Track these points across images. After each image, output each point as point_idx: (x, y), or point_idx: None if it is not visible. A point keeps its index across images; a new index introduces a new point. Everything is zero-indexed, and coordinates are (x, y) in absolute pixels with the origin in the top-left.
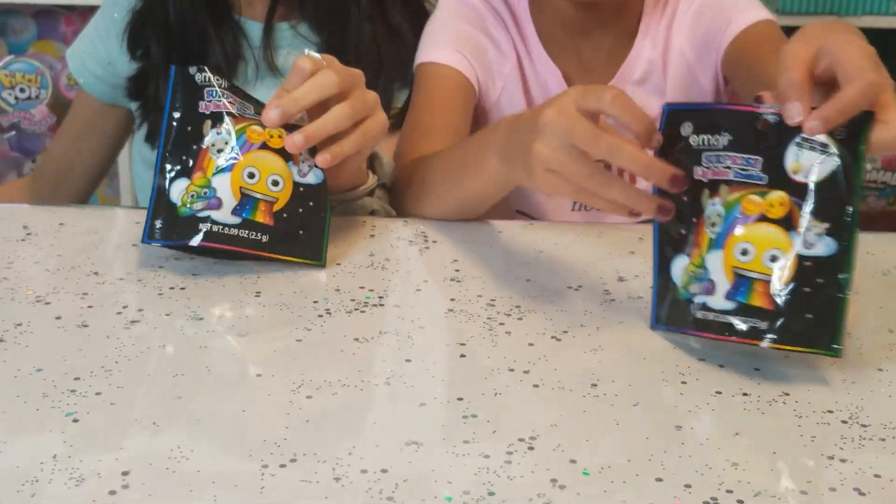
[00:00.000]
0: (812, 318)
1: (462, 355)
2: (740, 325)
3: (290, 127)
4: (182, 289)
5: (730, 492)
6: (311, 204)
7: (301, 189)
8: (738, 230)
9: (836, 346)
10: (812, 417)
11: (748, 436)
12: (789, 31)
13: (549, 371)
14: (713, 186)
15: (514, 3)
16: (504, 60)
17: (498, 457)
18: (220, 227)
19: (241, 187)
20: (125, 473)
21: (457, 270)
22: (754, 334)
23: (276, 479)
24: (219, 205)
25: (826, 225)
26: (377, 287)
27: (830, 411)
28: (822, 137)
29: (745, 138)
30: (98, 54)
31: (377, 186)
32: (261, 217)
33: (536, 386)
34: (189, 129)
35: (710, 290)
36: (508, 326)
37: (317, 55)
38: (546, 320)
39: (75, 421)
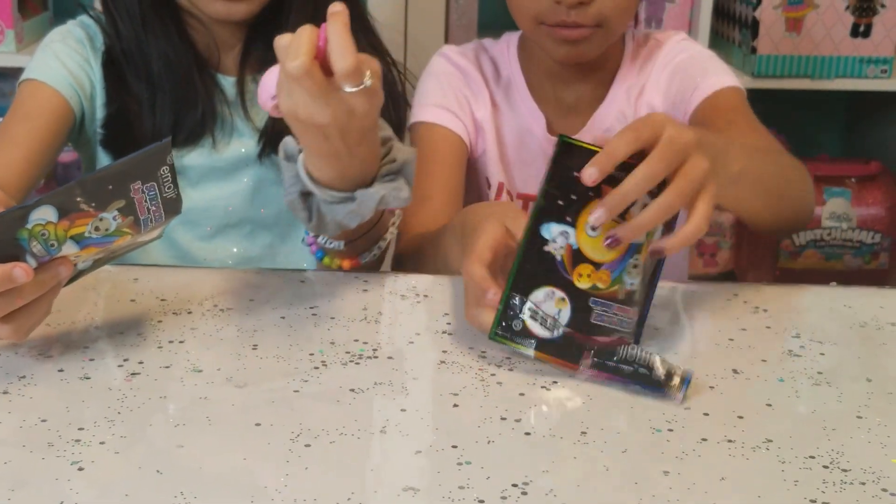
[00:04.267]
0: None
1: (455, 405)
2: None
3: None
4: (181, 342)
5: None
6: None
7: None
8: None
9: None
10: (794, 463)
11: (734, 480)
12: (765, 93)
13: (540, 419)
14: None
15: (501, 57)
16: (480, 113)
17: (492, 502)
18: None
19: None
20: None
21: (448, 324)
22: None
23: None
24: None
25: None
26: (371, 340)
27: (812, 457)
28: None
29: None
30: (81, 82)
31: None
32: None
33: (528, 434)
34: None
35: None
36: (499, 377)
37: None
38: (536, 371)
39: (80, 469)
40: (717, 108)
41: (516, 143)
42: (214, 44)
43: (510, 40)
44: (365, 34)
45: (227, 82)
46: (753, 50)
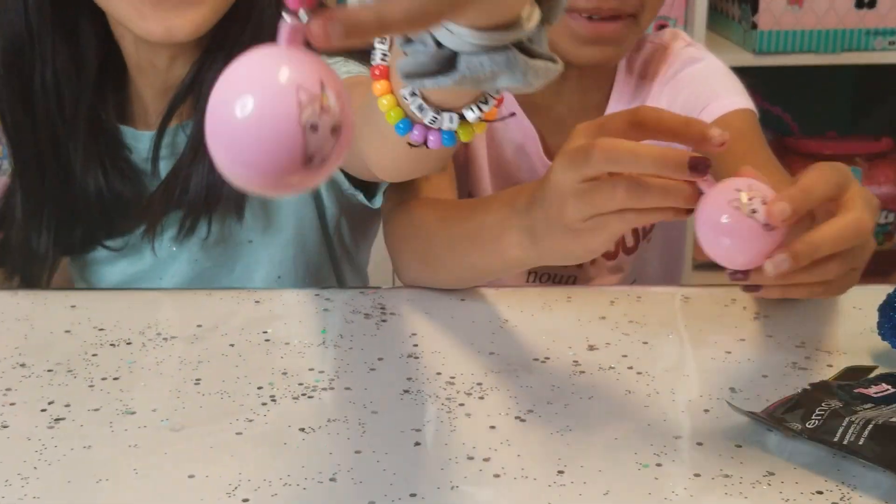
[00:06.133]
0: None
1: (417, 443)
2: None
3: None
4: (115, 379)
5: None
6: None
7: None
8: None
9: None
10: (800, 500)
11: None
12: (768, 71)
13: (512, 458)
14: None
15: None
16: None
17: None
18: None
19: None
20: None
21: (415, 346)
22: None
23: None
24: None
25: None
26: (328, 368)
27: (820, 492)
28: None
29: None
30: None
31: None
32: None
33: (497, 476)
34: None
35: None
36: (468, 408)
37: None
38: (510, 398)
39: None
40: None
41: (509, 161)
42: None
43: None
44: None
45: (144, 139)
46: (754, 25)
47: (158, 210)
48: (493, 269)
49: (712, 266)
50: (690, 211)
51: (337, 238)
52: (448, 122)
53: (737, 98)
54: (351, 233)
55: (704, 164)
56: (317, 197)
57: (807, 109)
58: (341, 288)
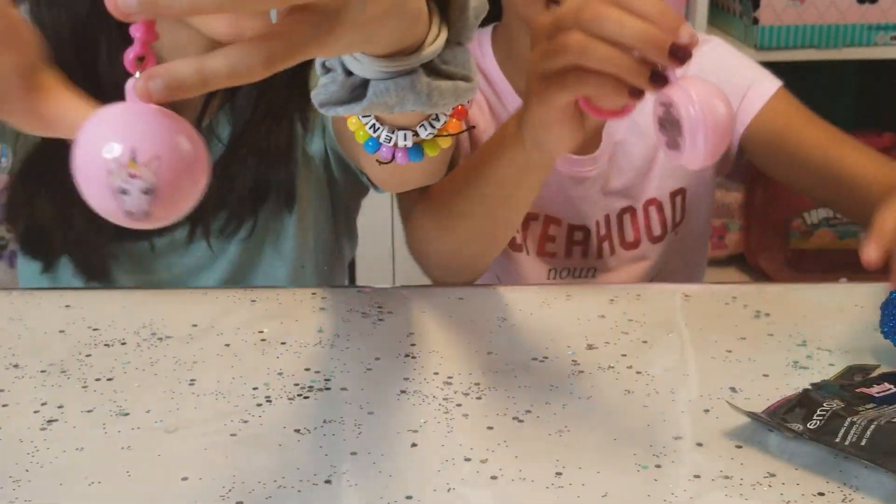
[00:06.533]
0: None
1: (413, 444)
2: None
3: None
4: (109, 380)
5: None
6: None
7: None
8: None
9: None
10: (801, 502)
11: None
12: (769, 66)
13: (510, 459)
14: None
15: (485, 64)
16: (481, 118)
17: None
18: None
19: None
20: None
21: (412, 345)
22: None
23: None
24: None
25: None
26: (324, 368)
27: (821, 493)
28: None
29: None
30: None
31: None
32: None
33: (494, 478)
34: None
35: None
36: (466, 408)
37: None
38: (507, 398)
39: None
40: (782, 117)
41: None
42: None
43: (479, 39)
44: None
45: None
46: (755, 21)
47: (205, 208)
48: (506, 187)
49: (713, 263)
50: (639, 94)
51: (342, 210)
52: (402, 139)
53: (767, 79)
54: (350, 196)
55: (685, 53)
56: (328, 172)
57: (809, 105)
58: (338, 287)
